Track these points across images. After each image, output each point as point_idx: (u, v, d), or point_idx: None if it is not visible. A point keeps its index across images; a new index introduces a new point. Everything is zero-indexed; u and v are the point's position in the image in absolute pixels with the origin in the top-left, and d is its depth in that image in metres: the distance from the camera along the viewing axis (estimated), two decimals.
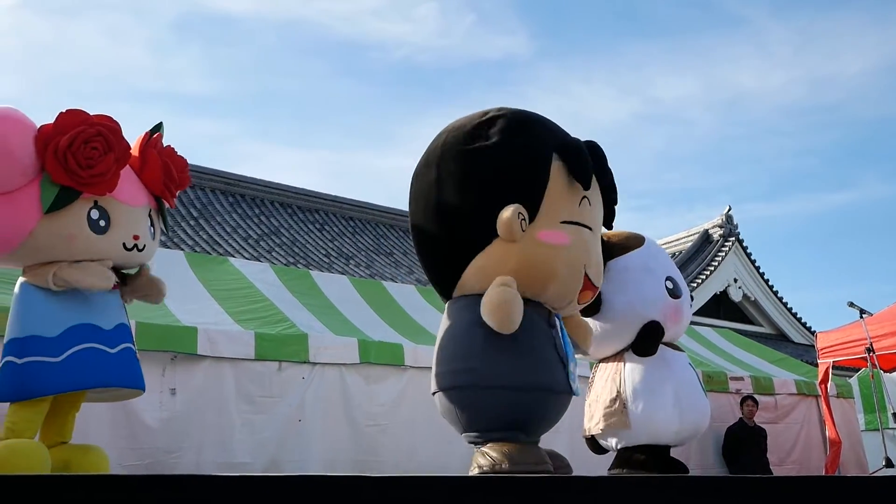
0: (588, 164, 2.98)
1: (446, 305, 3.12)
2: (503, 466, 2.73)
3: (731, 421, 7.52)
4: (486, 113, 3.05)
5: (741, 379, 7.86)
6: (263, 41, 45.36)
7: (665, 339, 4.30)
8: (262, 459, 4.94)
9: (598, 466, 4.49)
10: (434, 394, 3.04)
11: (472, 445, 2.95)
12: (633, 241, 4.34)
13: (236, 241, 16.08)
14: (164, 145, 3.32)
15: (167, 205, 3.38)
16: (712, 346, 8.98)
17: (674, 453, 4.39)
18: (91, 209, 2.98)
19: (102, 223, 3.01)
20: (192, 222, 16.16)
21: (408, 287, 8.05)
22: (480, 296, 2.85)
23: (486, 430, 2.87)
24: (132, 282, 3.29)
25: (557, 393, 2.94)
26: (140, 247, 3.13)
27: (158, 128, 3.29)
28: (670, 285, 4.35)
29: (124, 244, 3.06)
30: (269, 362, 5.16)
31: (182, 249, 13.77)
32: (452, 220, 2.97)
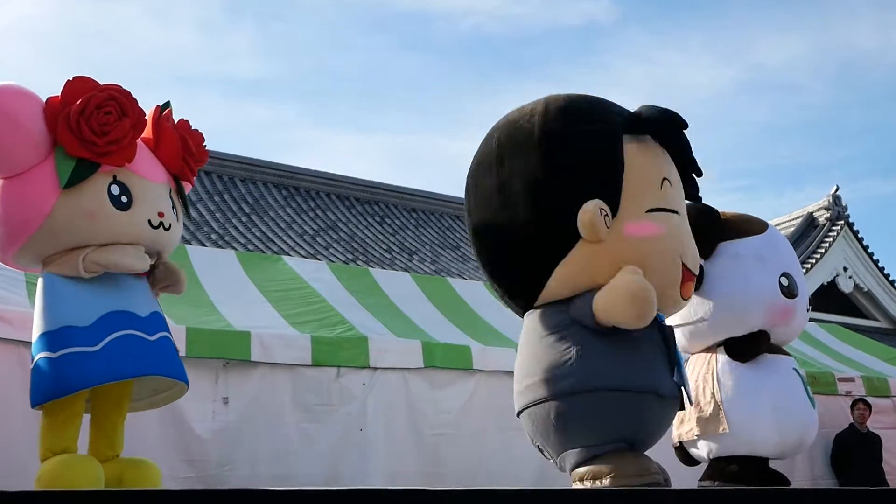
0: (663, 123, 2.94)
1: (527, 317, 3.07)
2: (604, 481, 2.72)
3: (840, 426, 7.36)
4: (536, 105, 3.02)
5: (851, 380, 7.66)
6: (322, 15, 45.76)
7: (772, 340, 4.20)
8: (321, 472, 5.02)
9: (686, 479, 4.45)
10: (521, 413, 2.98)
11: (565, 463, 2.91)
12: (750, 226, 4.28)
13: (291, 238, 16.36)
14: (178, 119, 3.33)
15: (186, 186, 3.38)
16: (818, 344, 8.77)
17: (778, 463, 4.31)
18: (111, 184, 2.98)
19: (124, 199, 2.99)
20: (244, 218, 16.50)
21: (476, 284, 8.07)
22: (568, 300, 2.86)
23: (589, 444, 2.82)
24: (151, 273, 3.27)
25: (663, 397, 2.90)
26: (166, 225, 3.11)
27: (167, 105, 3.30)
28: (785, 282, 4.20)
29: (150, 221, 3.05)
30: (327, 368, 5.23)
31: (234, 248, 14.09)
32: (527, 227, 2.90)
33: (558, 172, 2.87)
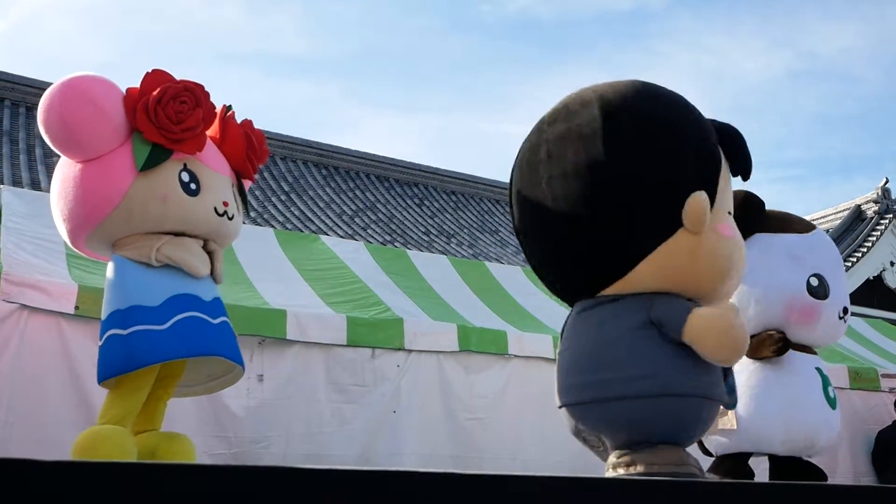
0: (749, 152, 2.98)
1: (586, 307, 2.92)
2: (637, 468, 2.70)
3: (883, 423, 7.24)
4: (634, 85, 2.92)
5: (895, 376, 7.56)
6: None
7: (796, 339, 4.11)
8: (354, 452, 5.05)
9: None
10: (571, 406, 2.90)
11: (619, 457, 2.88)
12: (792, 224, 4.19)
13: (329, 218, 16.45)
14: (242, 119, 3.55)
15: (246, 184, 3.59)
16: (862, 339, 8.64)
17: (822, 459, 4.24)
18: (182, 171, 3.20)
19: (193, 186, 3.22)
20: (283, 197, 16.61)
21: (514, 269, 8.05)
22: (646, 297, 2.78)
23: (641, 442, 2.77)
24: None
25: (717, 401, 2.90)
26: (230, 215, 3.33)
27: (230, 108, 3.50)
28: (815, 282, 4.08)
29: (215, 209, 3.27)
30: (362, 348, 5.24)
31: (273, 226, 14.18)
32: (632, 207, 2.77)
33: (672, 155, 2.79)
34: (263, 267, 5.83)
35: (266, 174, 17.14)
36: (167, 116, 3.09)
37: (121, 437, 3.02)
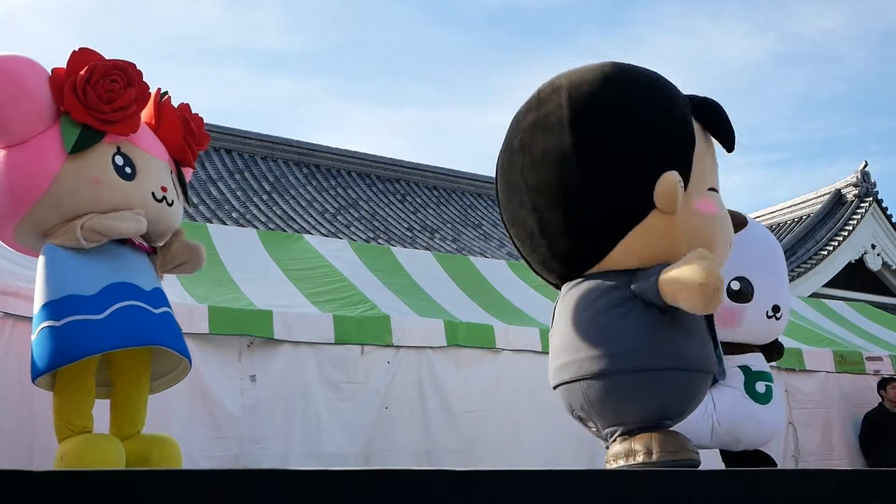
0: (730, 123, 2.95)
1: (573, 287, 2.96)
2: (638, 458, 2.70)
3: (870, 405, 7.32)
4: (604, 68, 2.95)
5: (879, 359, 7.63)
6: None
7: (723, 339, 4.17)
8: (354, 449, 5.08)
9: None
10: (567, 384, 2.89)
11: (610, 438, 2.87)
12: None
13: (312, 216, 16.42)
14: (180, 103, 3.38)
15: (186, 172, 3.42)
16: (845, 322, 8.73)
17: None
18: (115, 155, 3.03)
19: (128, 170, 3.05)
20: (264, 196, 16.56)
21: (498, 262, 8.07)
22: (627, 273, 2.82)
23: (636, 420, 2.79)
24: (163, 253, 3.30)
25: (708, 374, 2.92)
26: (169, 201, 3.16)
27: (165, 93, 3.35)
28: (736, 286, 4.09)
29: (153, 194, 3.10)
30: (352, 346, 5.26)
31: (255, 226, 14.15)
32: (601, 192, 2.83)
33: (637, 139, 2.83)
34: (248, 268, 5.82)
35: (247, 174, 17.10)
36: (97, 96, 2.92)
37: (110, 443, 2.93)
